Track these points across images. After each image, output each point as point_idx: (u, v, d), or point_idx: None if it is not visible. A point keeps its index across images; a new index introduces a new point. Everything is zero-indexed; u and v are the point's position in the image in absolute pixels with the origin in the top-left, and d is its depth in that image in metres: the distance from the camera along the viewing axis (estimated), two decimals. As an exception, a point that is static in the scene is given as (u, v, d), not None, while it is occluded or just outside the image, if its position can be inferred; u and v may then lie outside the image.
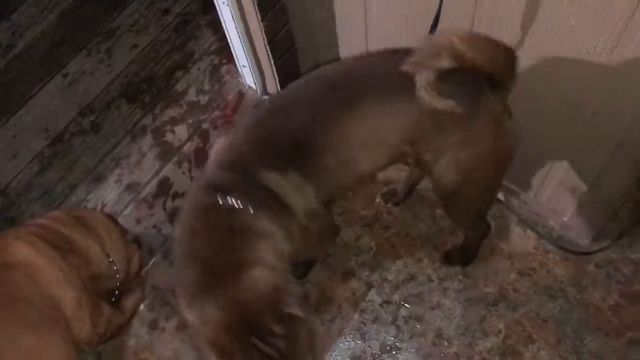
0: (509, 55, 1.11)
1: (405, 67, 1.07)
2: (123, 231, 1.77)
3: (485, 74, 1.10)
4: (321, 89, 1.24)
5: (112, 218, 1.70)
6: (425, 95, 1.07)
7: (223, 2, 1.74)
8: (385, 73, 1.18)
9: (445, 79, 1.05)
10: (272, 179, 1.18)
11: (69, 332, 1.31)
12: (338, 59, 1.82)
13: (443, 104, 1.08)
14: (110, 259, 1.54)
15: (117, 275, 1.58)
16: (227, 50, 2.10)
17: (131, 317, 1.72)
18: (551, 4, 1.17)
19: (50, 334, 1.24)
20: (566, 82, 1.31)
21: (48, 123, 2.19)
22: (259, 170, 1.18)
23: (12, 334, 1.17)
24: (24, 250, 1.31)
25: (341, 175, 1.27)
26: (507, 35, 1.28)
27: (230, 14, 1.76)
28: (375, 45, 1.64)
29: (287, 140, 1.20)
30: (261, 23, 1.74)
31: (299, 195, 1.21)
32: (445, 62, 1.03)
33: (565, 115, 1.38)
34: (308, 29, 1.84)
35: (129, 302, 1.70)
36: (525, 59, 1.31)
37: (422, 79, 1.05)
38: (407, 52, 1.09)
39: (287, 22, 1.83)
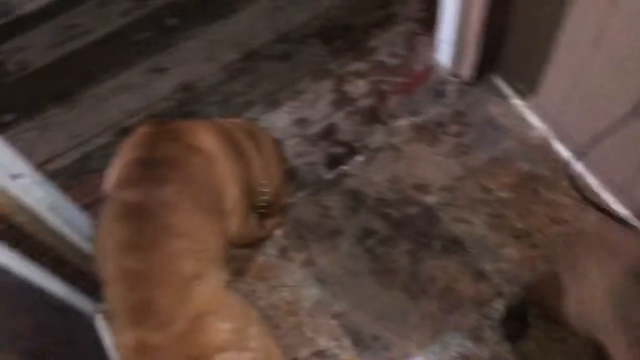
0: None
1: None
2: (284, 160, 1.86)
3: None
4: None
5: (279, 144, 1.78)
6: None
7: (454, -27, 1.72)
8: None
9: None
10: None
11: (225, 225, 1.40)
12: (546, 63, 1.74)
13: None
14: (265, 181, 1.62)
15: (265, 197, 1.66)
16: (429, 22, 2.08)
17: (267, 237, 1.82)
18: None
19: (215, 220, 1.33)
20: None
21: (245, 39, 2.33)
22: None
23: (188, 209, 1.27)
24: (210, 139, 1.39)
25: None
26: None
27: (457, -15, 1.74)
28: (601, 63, 1.54)
29: None
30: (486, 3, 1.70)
31: None
32: None
33: None
34: (527, 22, 1.76)
35: (269, 223, 1.80)
36: None
37: None
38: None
39: (509, 9, 1.77)
